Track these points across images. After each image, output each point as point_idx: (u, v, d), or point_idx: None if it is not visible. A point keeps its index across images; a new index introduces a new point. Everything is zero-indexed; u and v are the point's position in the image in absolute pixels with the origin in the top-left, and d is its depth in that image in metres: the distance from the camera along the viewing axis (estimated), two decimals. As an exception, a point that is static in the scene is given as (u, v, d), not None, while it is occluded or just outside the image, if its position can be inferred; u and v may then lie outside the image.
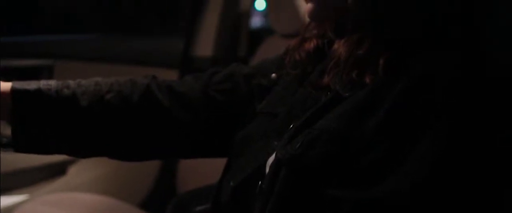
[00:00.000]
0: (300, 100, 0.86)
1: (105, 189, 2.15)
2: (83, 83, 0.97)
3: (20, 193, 2.03)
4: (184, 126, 0.99)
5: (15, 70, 2.13)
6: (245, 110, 0.97)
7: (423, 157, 0.66)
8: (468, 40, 0.71)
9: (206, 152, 1.05)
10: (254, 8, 3.27)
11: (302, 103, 0.85)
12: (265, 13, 3.30)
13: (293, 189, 0.73)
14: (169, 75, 2.23)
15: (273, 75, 0.97)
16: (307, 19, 0.88)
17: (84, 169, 2.19)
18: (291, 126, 0.81)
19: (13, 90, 0.92)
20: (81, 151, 1.00)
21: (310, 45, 0.91)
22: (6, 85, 0.92)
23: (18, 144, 0.94)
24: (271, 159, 0.80)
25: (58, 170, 2.16)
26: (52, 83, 0.95)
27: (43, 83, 0.95)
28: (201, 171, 1.90)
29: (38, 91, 0.93)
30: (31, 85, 0.94)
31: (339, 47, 0.79)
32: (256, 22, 3.54)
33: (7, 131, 0.94)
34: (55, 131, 0.94)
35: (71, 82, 0.96)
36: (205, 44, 2.36)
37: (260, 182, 0.80)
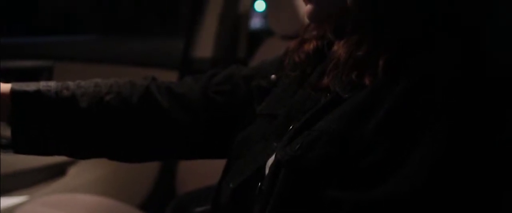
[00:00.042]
0: (300, 101, 0.86)
1: (104, 190, 2.15)
2: (83, 84, 0.97)
3: (19, 194, 2.03)
4: (184, 128, 0.99)
5: (14, 71, 2.13)
6: (245, 112, 0.97)
7: (423, 159, 0.66)
8: (468, 40, 0.71)
9: (205, 154, 1.05)
10: (254, 9, 3.27)
11: (301, 104, 0.85)
12: (265, 14, 3.31)
13: (293, 191, 0.73)
14: (169, 76, 2.23)
15: (273, 76, 0.97)
16: (306, 21, 0.88)
17: (83, 170, 2.18)
18: (291, 127, 0.81)
19: (12, 91, 0.92)
20: (80, 153, 1.00)
21: (310, 46, 0.91)
22: (5, 86, 0.92)
23: (17, 146, 0.94)
24: (270, 160, 0.80)
25: (57, 171, 2.16)
26: (52, 84, 0.95)
27: (42, 84, 0.95)
28: (201, 173, 1.90)
29: (38, 92, 0.93)
30: (31, 86, 0.94)
31: (339, 48, 0.79)
32: (255, 23, 3.54)
33: (7, 132, 0.94)
34: (54, 132, 0.94)
35: (71, 83, 0.96)
36: (204, 45, 2.36)
37: (259, 184, 0.80)
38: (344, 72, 0.76)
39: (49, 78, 2.22)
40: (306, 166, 0.72)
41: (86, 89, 0.96)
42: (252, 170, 0.85)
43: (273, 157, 0.79)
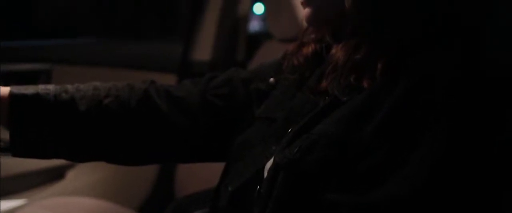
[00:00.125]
0: (298, 104, 0.86)
1: (103, 193, 2.15)
2: (82, 87, 0.97)
3: (18, 198, 2.02)
4: (182, 131, 0.99)
5: (13, 75, 2.13)
6: (243, 115, 0.97)
7: (423, 160, 0.66)
8: (468, 40, 0.72)
9: (204, 157, 1.05)
10: (253, 12, 3.27)
11: (300, 107, 0.85)
12: (264, 17, 3.31)
13: (291, 194, 0.73)
14: (167, 79, 2.22)
15: (271, 79, 0.97)
16: (305, 24, 0.88)
17: (82, 174, 2.18)
18: (289, 130, 0.81)
19: (11, 95, 0.92)
20: (79, 156, 1.00)
21: (308, 49, 0.91)
22: (4, 90, 0.92)
23: (16, 149, 0.94)
24: (269, 163, 0.80)
25: (56, 175, 2.15)
26: (50, 87, 0.95)
27: (41, 88, 0.95)
28: (199, 176, 1.90)
29: (36, 95, 0.93)
30: (29, 89, 0.94)
31: (337, 51, 0.79)
32: (254, 26, 3.54)
33: (5, 135, 0.94)
34: (53, 135, 0.94)
35: (69, 87, 0.97)
36: (203, 48, 2.36)
37: (258, 187, 0.80)
38: (343, 75, 0.76)
39: (48, 81, 2.21)
40: (304, 169, 0.72)
41: (85, 92, 0.96)
42: (251, 173, 0.85)
43: (272, 160, 0.79)
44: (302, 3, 0.84)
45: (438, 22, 0.72)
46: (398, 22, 0.73)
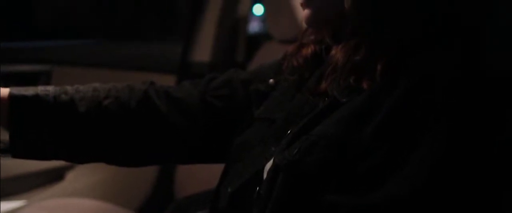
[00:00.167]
0: (298, 105, 0.86)
1: (102, 194, 2.15)
2: (81, 88, 0.97)
3: (17, 199, 2.02)
4: (182, 132, 0.99)
5: (13, 76, 2.13)
6: (243, 116, 0.97)
7: (422, 160, 0.66)
8: (468, 40, 0.72)
9: (203, 158, 1.05)
10: (252, 13, 3.28)
11: (299, 108, 0.85)
12: (263, 18, 3.31)
13: (291, 195, 0.73)
14: (167, 81, 2.23)
15: (271, 80, 0.97)
16: (304, 25, 0.88)
17: (81, 175, 2.18)
18: (289, 131, 0.81)
19: (11, 96, 0.92)
20: (79, 157, 1.00)
21: (308, 51, 0.91)
22: (4, 91, 0.92)
23: (15, 150, 0.94)
24: (268, 164, 0.80)
25: (55, 176, 2.15)
26: (50, 88, 0.95)
27: (41, 89, 0.95)
28: (199, 177, 1.90)
29: (36, 96, 0.93)
30: (29, 91, 0.94)
31: (337, 53, 0.79)
32: (254, 27, 3.54)
33: (5, 136, 0.94)
34: (53, 136, 0.94)
35: (69, 88, 0.97)
36: (203, 49, 2.36)
37: (258, 188, 0.80)
38: (342, 76, 0.76)
39: (48, 83, 2.21)
40: (304, 170, 0.72)
41: (85, 94, 0.96)
42: (250, 174, 0.85)
43: (271, 161, 0.79)
44: (302, 4, 0.84)
45: (438, 22, 0.73)
46: (398, 22, 0.73)
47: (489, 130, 0.67)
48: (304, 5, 0.84)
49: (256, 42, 2.44)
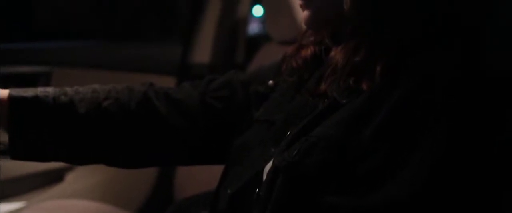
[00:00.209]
0: (297, 107, 0.86)
1: (102, 196, 2.14)
2: (81, 90, 0.97)
3: (17, 200, 2.02)
4: (182, 134, 0.99)
5: (12, 77, 2.13)
6: (243, 117, 0.97)
7: (422, 161, 0.66)
8: (468, 40, 0.72)
9: (203, 159, 1.05)
10: (252, 15, 3.27)
11: (299, 110, 0.85)
12: (263, 19, 3.31)
13: (291, 196, 0.73)
14: (167, 82, 2.23)
15: (270, 82, 0.97)
16: (304, 26, 0.88)
17: (81, 176, 2.18)
18: (288, 133, 0.81)
19: (10, 97, 0.92)
20: (78, 158, 1.00)
21: (307, 52, 0.91)
22: (3, 92, 0.92)
23: (15, 151, 0.94)
24: (268, 166, 0.80)
25: (55, 177, 2.15)
26: (50, 90, 0.95)
27: (40, 90, 0.95)
28: (199, 178, 1.90)
29: (36, 98, 0.93)
30: (29, 92, 0.94)
31: (336, 54, 0.79)
32: (253, 28, 3.54)
33: (5, 138, 0.94)
34: (52, 138, 0.94)
35: (69, 89, 0.97)
36: (202, 51, 2.36)
37: (257, 190, 0.80)
38: (342, 77, 0.76)
39: (47, 84, 2.21)
40: (303, 172, 0.72)
41: (84, 95, 0.96)
42: (250, 176, 0.85)
43: (271, 163, 0.79)
44: (301, 6, 0.84)
45: (438, 22, 0.73)
46: (398, 22, 0.73)
47: (489, 130, 0.67)
48: (304, 6, 0.84)
49: (255, 43, 2.45)
